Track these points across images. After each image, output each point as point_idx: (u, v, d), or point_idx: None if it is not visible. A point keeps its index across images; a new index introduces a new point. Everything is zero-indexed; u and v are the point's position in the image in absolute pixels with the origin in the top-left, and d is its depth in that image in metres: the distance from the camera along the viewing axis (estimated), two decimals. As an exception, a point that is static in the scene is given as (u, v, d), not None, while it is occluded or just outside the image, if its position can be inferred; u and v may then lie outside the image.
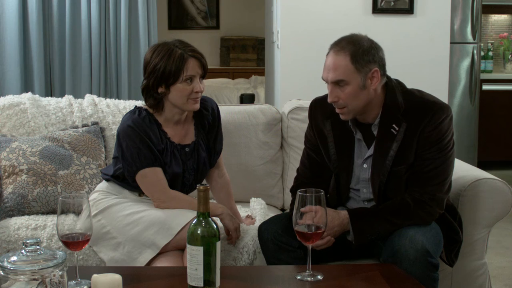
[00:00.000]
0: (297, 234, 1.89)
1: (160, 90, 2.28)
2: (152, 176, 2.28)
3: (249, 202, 2.84)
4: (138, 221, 2.25)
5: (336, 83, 2.10)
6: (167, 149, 2.33)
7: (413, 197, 2.13)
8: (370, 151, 2.20)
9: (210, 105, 2.47)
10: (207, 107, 2.46)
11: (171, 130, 2.37)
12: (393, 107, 2.16)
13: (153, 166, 2.28)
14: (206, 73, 2.33)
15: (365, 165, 2.22)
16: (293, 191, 2.34)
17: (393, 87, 2.19)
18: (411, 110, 2.15)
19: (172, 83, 2.26)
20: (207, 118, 2.44)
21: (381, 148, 2.17)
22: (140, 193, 2.37)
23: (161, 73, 2.25)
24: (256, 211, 2.66)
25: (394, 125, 2.15)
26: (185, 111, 2.35)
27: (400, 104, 2.16)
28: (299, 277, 1.88)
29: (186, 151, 2.38)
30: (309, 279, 1.87)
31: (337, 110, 2.17)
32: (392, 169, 2.15)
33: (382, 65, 2.14)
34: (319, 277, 1.88)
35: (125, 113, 2.41)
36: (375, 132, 2.20)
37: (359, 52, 2.08)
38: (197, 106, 2.32)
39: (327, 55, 2.16)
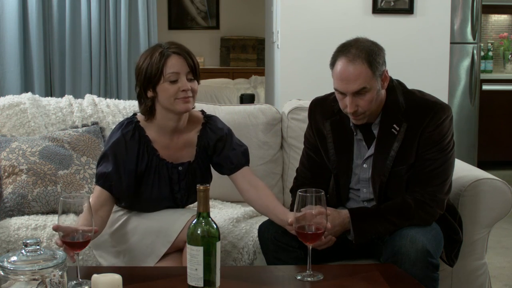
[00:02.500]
0: (297, 234, 1.89)
1: (149, 94, 2.15)
2: (95, 193, 2.19)
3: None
4: (135, 230, 2.22)
5: (356, 92, 2.08)
6: (151, 167, 2.20)
7: (414, 198, 2.13)
8: (370, 151, 2.21)
9: (219, 128, 2.29)
10: (216, 130, 2.28)
11: (164, 144, 2.22)
12: (394, 107, 2.17)
13: (102, 187, 2.17)
14: (196, 71, 2.15)
15: (365, 165, 2.22)
16: (292, 191, 2.34)
17: (394, 87, 2.20)
18: (412, 110, 2.16)
19: (156, 84, 2.12)
20: (213, 139, 2.27)
21: (382, 148, 2.17)
22: None
23: (144, 75, 2.13)
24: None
25: (394, 125, 2.15)
26: (177, 114, 2.17)
27: (401, 104, 2.16)
28: (299, 277, 1.88)
29: (179, 170, 2.24)
30: (309, 279, 1.87)
31: (353, 118, 2.15)
32: (393, 169, 2.16)
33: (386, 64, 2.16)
34: (319, 276, 1.88)
35: (124, 114, 2.38)
36: (375, 132, 2.20)
37: (373, 56, 2.08)
38: (189, 106, 2.14)
39: (334, 64, 2.12)
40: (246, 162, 2.30)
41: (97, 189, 2.18)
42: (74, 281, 1.79)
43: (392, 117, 2.16)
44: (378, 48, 2.13)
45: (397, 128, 2.14)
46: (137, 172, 2.19)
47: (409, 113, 2.15)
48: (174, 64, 2.12)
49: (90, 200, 2.11)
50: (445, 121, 2.15)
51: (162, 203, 2.26)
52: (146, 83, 2.14)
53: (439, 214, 2.17)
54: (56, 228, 1.76)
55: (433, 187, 2.13)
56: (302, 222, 1.87)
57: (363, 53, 2.07)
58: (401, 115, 2.15)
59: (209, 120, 2.30)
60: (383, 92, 2.16)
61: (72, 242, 1.77)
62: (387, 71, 2.15)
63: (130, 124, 2.21)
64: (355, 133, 2.23)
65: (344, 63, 2.08)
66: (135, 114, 2.27)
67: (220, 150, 2.28)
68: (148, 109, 2.18)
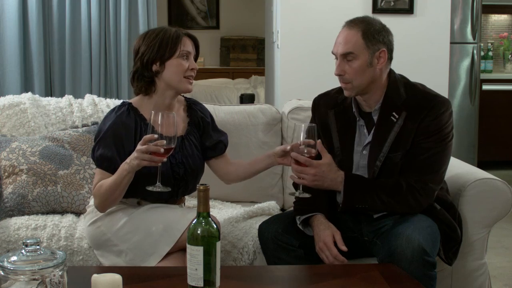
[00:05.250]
0: (294, 160, 2.10)
1: (155, 68, 2.23)
2: (97, 178, 2.23)
3: (249, 202, 2.85)
4: (138, 229, 2.22)
5: (345, 57, 2.16)
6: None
7: (407, 182, 2.15)
8: (370, 138, 2.23)
9: (205, 110, 2.46)
10: (204, 111, 2.43)
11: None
12: (394, 95, 2.21)
13: (106, 171, 2.21)
14: (198, 56, 2.33)
15: (364, 152, 2.25)
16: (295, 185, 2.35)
17: (395, 78, 2.25)
18: (411, 101, 2.19)
19: (168, 58, 2.22)
20: (202, 119, 2.40)
21: (380, 134, 2.20)
22: (139, 200, 2.32)
23: (158, 47, 2.21)
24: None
25: (394, 113, 2.18)
26: (178, 92, 2.29)
27: (401, 94, 2.21)
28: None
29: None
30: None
31: (341, 85, 2.22)
32: (388, 155, 2.18)
33: (390, 49, 2.23)
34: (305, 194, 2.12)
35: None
36: (375, 118, 2.22)
37: (370, 30, 2.17)
38: (191, 87, 2.28)
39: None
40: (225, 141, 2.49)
41: (101, 172, 2.22)
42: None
43: (392, 105, 2.20)
44: (383, 28, 2.22)
45: (396, 116, 2.18)
46: None
47: (409, 103, 2.19)
48: (188, 44, 2.27)
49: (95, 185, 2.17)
50: (444, 114, 2.18)
51: (163, 180, 2.17)
52: (158, 56, 2.22)
53: (427, 204, 2.18)
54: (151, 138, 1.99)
55: (426, 175, 2.16)
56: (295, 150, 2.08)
57: (362, 24, 2.18)
58: (401, 103, 2.19)
59: (191, 100, 2.45)
60: (378, 71, 2.19)
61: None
62: (385, 51, 2.19)
63: (122, 107, 2.29)
64: (357, 119, 2.25)
65: (344, 28, 2.21)
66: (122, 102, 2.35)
67: (210, 134, 2.41)
68: (147, 85, 2.27)
